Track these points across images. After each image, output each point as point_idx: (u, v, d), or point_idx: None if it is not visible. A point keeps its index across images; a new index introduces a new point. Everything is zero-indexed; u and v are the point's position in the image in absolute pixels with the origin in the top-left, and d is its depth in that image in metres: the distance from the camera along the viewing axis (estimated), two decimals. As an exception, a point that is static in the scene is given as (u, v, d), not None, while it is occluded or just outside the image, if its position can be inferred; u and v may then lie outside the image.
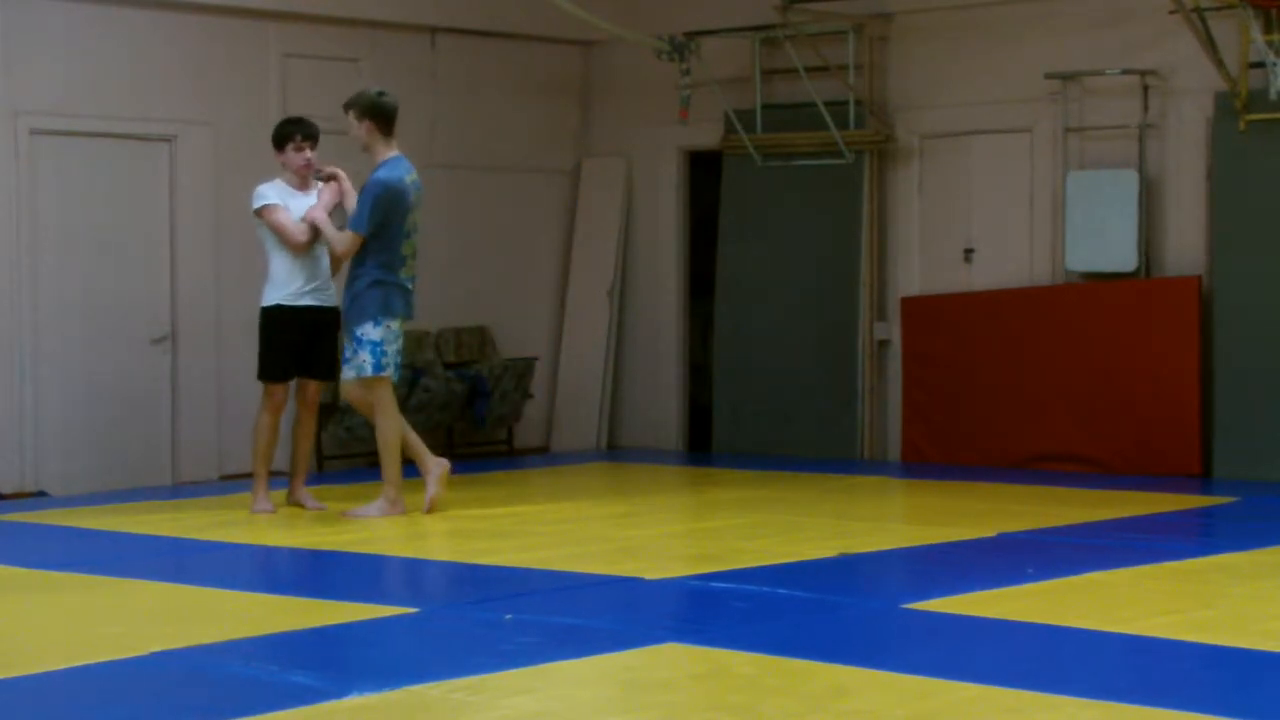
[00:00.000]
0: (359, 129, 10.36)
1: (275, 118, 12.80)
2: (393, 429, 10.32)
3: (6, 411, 11.78)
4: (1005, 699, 5.80)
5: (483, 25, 14.12)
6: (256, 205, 10.30)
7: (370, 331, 10.18)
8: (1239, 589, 7.95)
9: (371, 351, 10.18)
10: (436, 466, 10.48)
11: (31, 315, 11.91)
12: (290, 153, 10.35)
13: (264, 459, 10.42)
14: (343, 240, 10.23)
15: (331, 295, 10.46)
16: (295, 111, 13.00)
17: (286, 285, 10.26)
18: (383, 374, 10.23)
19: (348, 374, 10.28)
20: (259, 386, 10.43)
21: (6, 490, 11.70)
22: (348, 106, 10.42)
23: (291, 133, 10.38)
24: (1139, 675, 6.31)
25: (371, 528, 9.86)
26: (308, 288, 10.31)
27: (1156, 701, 5.74)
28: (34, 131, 11.91)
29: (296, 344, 10.34)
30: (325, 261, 10.43)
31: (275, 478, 10.60)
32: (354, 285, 10.25)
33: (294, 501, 10.62)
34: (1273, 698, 5.94)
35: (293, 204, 10.33)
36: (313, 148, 10.40)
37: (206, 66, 12.65)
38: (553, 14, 13.21)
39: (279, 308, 10.29)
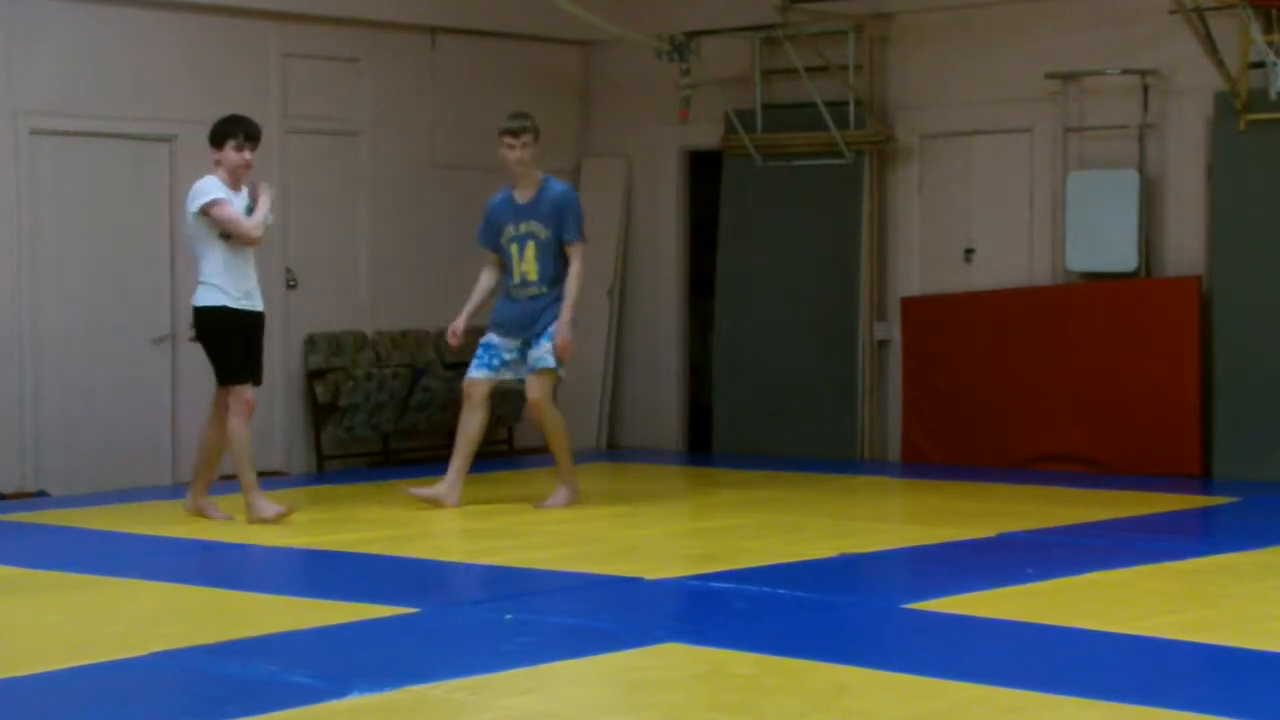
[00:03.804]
0: (534, 147, 10.64)
1: (275, 118, 12.86)
2: (562, 422, 10.59)
3: (6, 411, 11.78)
4: (1005, 699, 5.80)
5: (483, 25, 14.11)
6: (203, 200, 9.84)
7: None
8: (1239, 589, 7.95)
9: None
10: (451, 494, 10.56)
11: (31, 315, 11.91)
12: (230, 151, 9.94)
13: (253, 465, 10.09)
14: (582, 255, 10.56)
15: (260, 301, 10.22)
16: (295, 111, 13.06)
17: (229, 288, 9.91)
18: (559, 369, 10.55)
19: (536, 364, 10.45)
20: (260, 386, 10.31)
21: (6, 490, 11.70)
22: (527, 128, 10.59)
23: (234, 131, 9.99)
24: (1139, 675, 6.31)
25: (371, 528, 9.85)
26: (247, 287, 9.99)
27: (1156, 701, 5.74)
28: (34, 131, 11.91)
29: (245, 347, 10.09)
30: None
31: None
32: (557, 290, 10.48)
33: (196, 509, 10.27)
34: (1273, 698, 5.94)
35: (235, 202, 10.02)
36: (253, 149, 10.03)
37: (206, 66, 12.64)
38: (553, 14, 13.20)
39: (225, 309, 9.93)
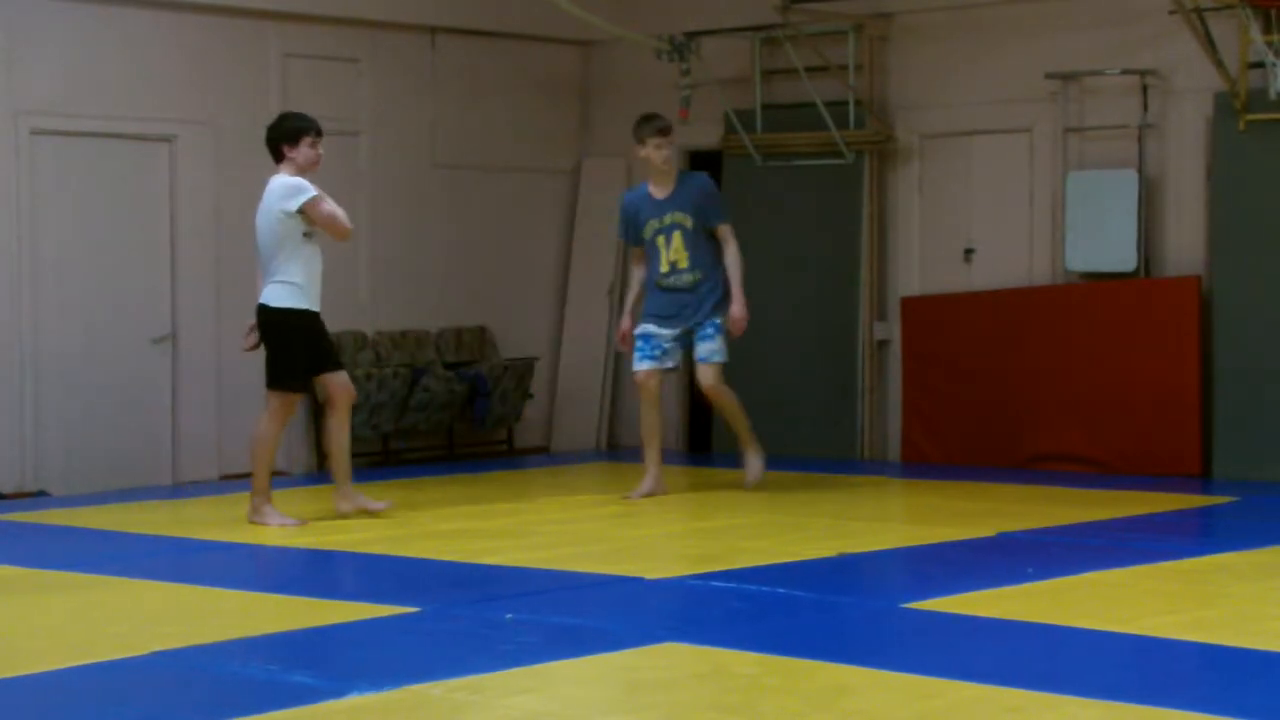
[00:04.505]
0: (672, 149, 11.09)
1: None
2: (735, 397, 11.14)
3: (6, 411, 11.79)
4: (1005, 699, 5.80)
5: (483, 25, 14.12)
6: (303, 199, 9.64)
7: (724, 322, 11.05)
8: (1239, 589, 7.95)
9: (726, 339, 11.07)
10: (660, 484, 11.10)
11: (31, 315, 11.92)
12: (305, 148, 9.79)
13: (269, 470, 10.00)
14: (733, 233, 11.11)
15: None
16: (295, 111, 13.03)
17: (309, 289, 9.78)
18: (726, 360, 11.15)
19: (710, 356, 11.01)
20: (260, 386, 10.24)
21: (6, 490, 11.70)
22: (672, 126, 11.11)
23: (307, 128, 9.85)
24: (1139, 675, 6.31)
25: (371, 528, 9.85)
26: (319, 290, 9.88)
27: (1156, 701, 5.74)
28: (34, 131, 11.91)
29: (318, 348, 9.95)
30: None
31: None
32: (715, 277, 10.99)
33: (359, 508, 10.05)
34: (1273, 698, 5.94)
35: None
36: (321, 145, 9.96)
37: (206, 66, 12.65)
38: (553, 14, 13.21)
39: (310, 313, 9.81)
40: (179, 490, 12.04)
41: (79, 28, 12.11)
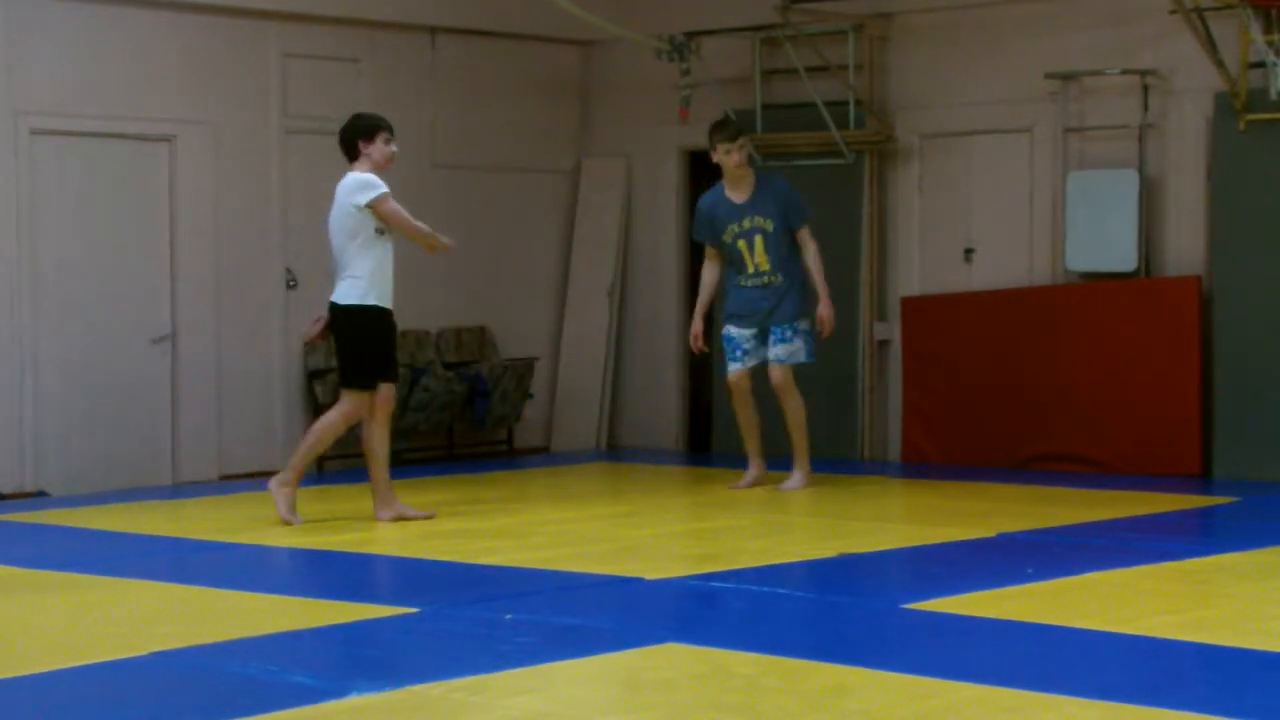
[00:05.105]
0: (748, 148, 11.40)
1: (275, 118, 12.88)
2: (803, 409, 11.26)
3: (6, 411, 11.78)
4: (1005, 699, 5.80)
5: (483, 25, 14.12)
6: (373, 194, 9.70)
7: (806, 325, 11.25)
8: (1239, 589, 7.95)
9: (807, 340, 11.24)
10: (764, 474, 11.38)
11: (31, 315, 11.92)
12: (380, 144, 9.86)
13: (309, 462, 10.00)
14: (812, 237, 11.26)
15: None
16: (295, 110, 13.06)
17: (380, 286, 9.77)
18: (812, 360, 11.32)
19: (785, 359, 11.18)
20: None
21: (6, 490, 11.70)
22: (742, 131, 11.38)
23: (382, 124, 9.93)
24: (1139, 675, 6.31)
25: (371, 528, 9.85)
26: (391, 287, 9.86)
27: (1156, 701, 5.74)
28: (34, 131, 11.91)
29: (386, 349, 9.96)
30: None
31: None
32: (790, 281, 11.19)
33: (395, 515, 9.99)
34: (1273, 698, 5.94)
35: None
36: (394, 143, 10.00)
37: (206, 66, 12.65)
38: (553, 14, 13.21)
39: (381, 310, 9.82)
40: (179, 490, 12.04)
41: (79, 28, 12.11)
